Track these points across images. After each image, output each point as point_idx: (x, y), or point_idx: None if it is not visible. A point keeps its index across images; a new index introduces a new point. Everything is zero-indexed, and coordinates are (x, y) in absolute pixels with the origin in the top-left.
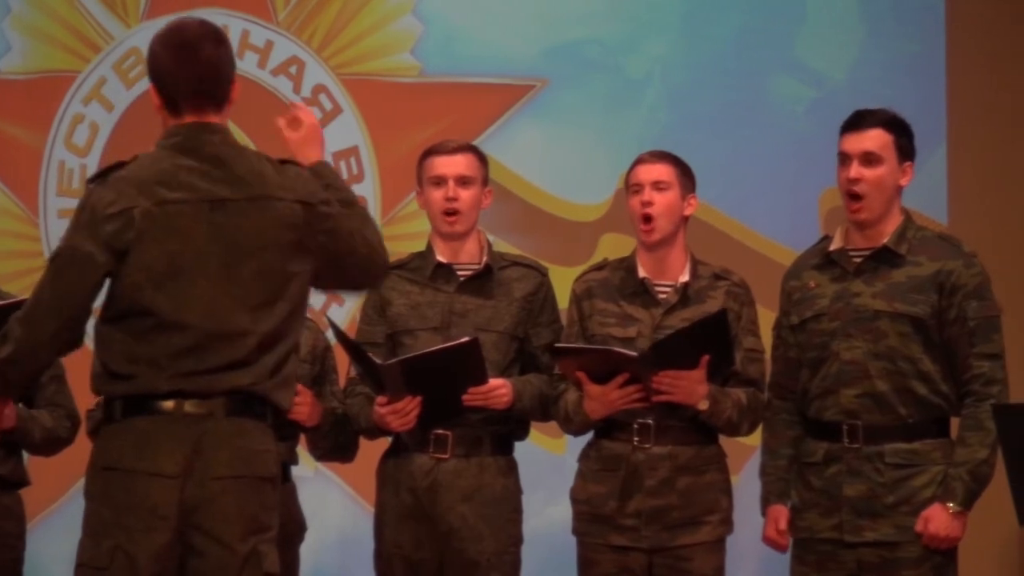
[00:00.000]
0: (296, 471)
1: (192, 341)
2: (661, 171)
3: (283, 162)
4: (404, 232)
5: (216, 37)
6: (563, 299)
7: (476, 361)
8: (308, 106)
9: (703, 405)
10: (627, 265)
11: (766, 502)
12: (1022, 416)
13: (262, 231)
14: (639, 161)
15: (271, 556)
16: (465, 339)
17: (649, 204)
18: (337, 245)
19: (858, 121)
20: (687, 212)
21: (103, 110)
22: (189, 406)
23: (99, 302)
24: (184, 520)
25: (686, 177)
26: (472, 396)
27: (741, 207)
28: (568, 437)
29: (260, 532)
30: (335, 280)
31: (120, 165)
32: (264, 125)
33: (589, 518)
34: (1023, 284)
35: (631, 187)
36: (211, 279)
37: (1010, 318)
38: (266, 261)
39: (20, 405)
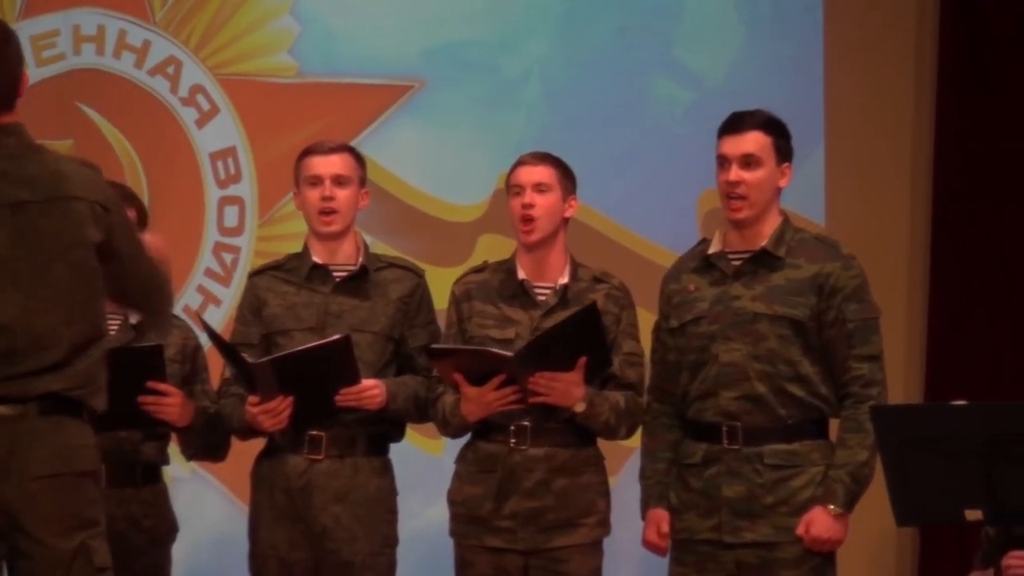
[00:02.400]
0: (173, 472)
1: (4, 346)
2: (543, 173)
3: (83, 164)
4: (281, 232)
5: (2, 36)
6: (440, 300)
7: (347, 360)
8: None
9: (580, 407)
10: (507, 267)
11: (646, 506)
12: (900, 417)
13: (66, 231)
14: (520, 163)
15: (102, 551)
16: (336, 337)
17: (530, 206)
18: (124, 262)
19: (736, 123)
20: (568, 214)
21: None
22: (2, 409)
23: None
24: (7, 523)
25: (567, 179)
26: (344, 396)
27: (620, 209)
28: (446, 439)
29: (86, 528)
30: (118, 292)
31: None
32: (142, 125)
33: (466, 519)
34: (901, 285)
35: (512, 188)
36: (19, 283)
37: (888, 319)
38: (75, 260)
39: None
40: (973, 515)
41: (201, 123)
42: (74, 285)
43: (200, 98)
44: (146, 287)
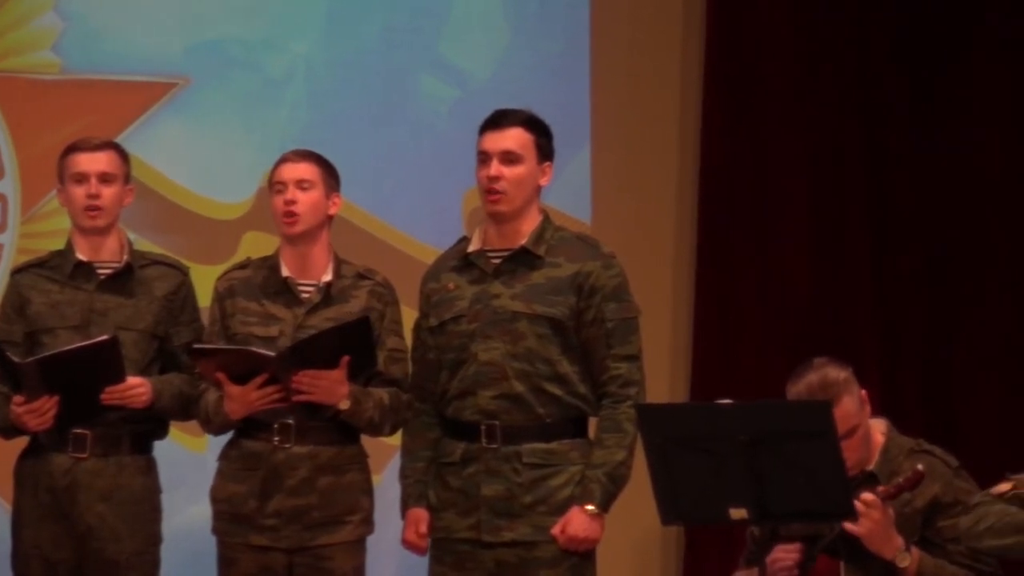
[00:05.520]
0: None
1: None
2: (305, 170)
3: None
4: (44, 230)
5: None
6: (205, 298)
7: (114, 360)
8: None
9: (344, 405)
10: (270, 264)
11: (405, 505)
12: (665, 416)
13: None
14: (283, 160)
15: None
16: (103, 338)
17: (293, 202)
18: None
19: (498, 120)
20: (331, 211)
21: None
22: None
23: None
24: None
25: (330, 176)
26: (109, 395)
27: (385, 206)
28: (209, 436)
29: None
30: None
31: None
32: None
33: (229, 517)
34: (667, 285)
35: (274, 185)
36: None
37: (654, 319)
38: None
39: None
40: (738, 514)
41: None
42: None
43: None
44: None
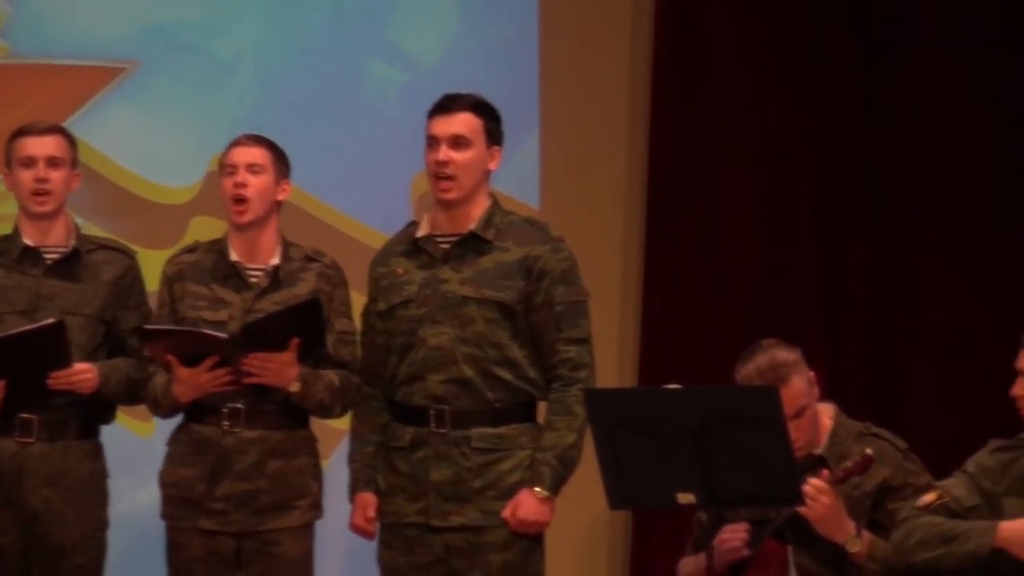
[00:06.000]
0: None
1: None
2: (256, 154)
3: None
4: None
5: None
6: (153, 283)
7: (60, 344)
8: None
9: (294, 387)
10: (219, 248)
11: (353, 490)
12: (613, 401)
13: None
14: (235, 143)
15: None
16: (49, 321)
17: (243, 186)
18: None
19: (446, 105)
20: (280, 197)
21: None
22: None
23: None
24: None
25: (280, 162)
26: (56, 379)
27: (334, 191)
28: (157, 420)
29: None
30: None
31: None
32: None
33: (177, 502)
34: (616, 269)
35: (225, 168)
36: None
37: (603, 303)
38: None
39: None
40: (686, 499)
41: None
42: None
43: None
44: None
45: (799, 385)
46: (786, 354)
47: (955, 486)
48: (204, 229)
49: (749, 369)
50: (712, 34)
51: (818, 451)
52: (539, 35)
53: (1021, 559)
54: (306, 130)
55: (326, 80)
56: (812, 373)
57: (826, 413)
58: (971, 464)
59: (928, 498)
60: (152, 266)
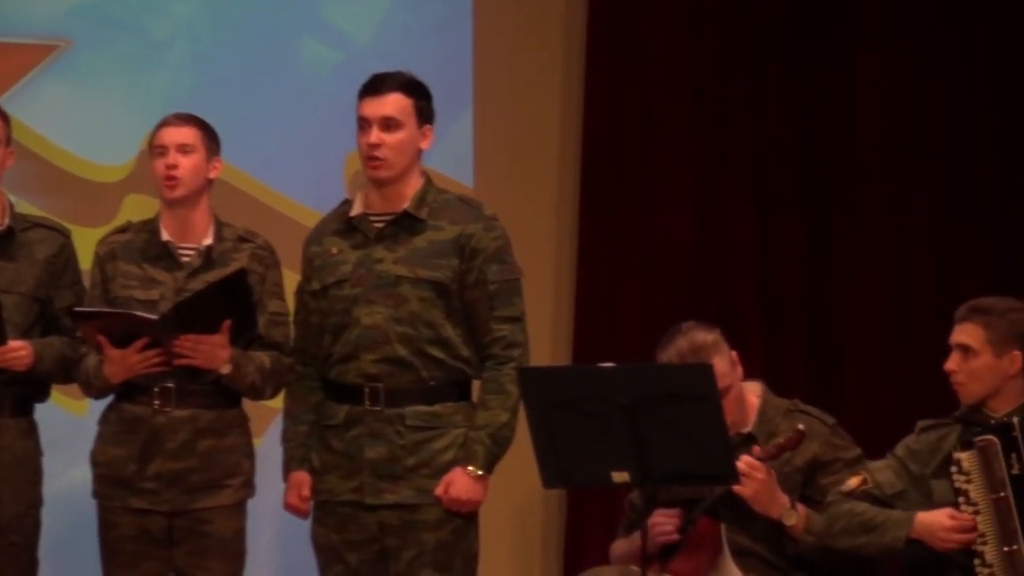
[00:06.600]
0: None
1: None
2: (186, 134)
3: None
4: None
5: None
6: (87, 260)
7: None
8: None
9: (225, 369)
10: (150, 228)
11: (287, 468)
12: (547, 379)
13: None
14: (164, 123)
15: None
16: None
17: (174, 167)
18: None
19: (376, 85)
20: (212, 175)
21: None
22: None
23: None
24: None
25: (211, 140)
26: None
27: (267, 169)
28: (90, 399)
29: None
30: None
31: None
32: None
33: (109, 481)
34: (550, 247)
35: (155, 149)
36: None
37: (537, 281)
38: None
39: None
40: (620, 477)
41: None
42: None
43: None
44: None
45: (720, 365)
46: (705, 336)
47: (881, 470)
48: (137, 207)
49: (669, 354)
50: (646, 9)
51: (747, 429)
52: (473, 12)
53: (936, 549)
54: (240, 108)
55: (260, 58)
56: (734, 353)
57: (753, 391)
58: (900, 447)
59: (853, 483)
60: (86, 244)
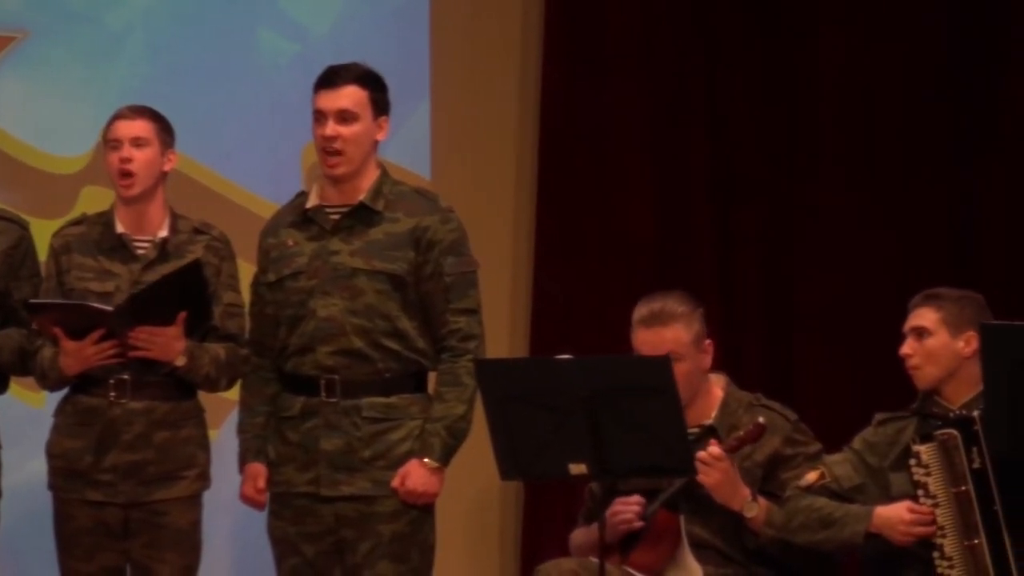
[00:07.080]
0: None
1: None
2: (140, 127)
3: None
4: None
5: None
6: (44, 252)
7: None
8: None
9: (180, 361)
10: (105, 220)
11: (243, 460)
12: (504, 371)
13: None
14: (118, 116)
15: None
16: None
17: (128, 160)
18: None
19: (331, 78)
20: (166, 168)
21: None
22: None
23: None
24: None
25: (166, 132)
26: None
27: (223, 161)
28: (47, 392)
29: None
30: None
31: None
32: None
33: (64, 473)
34: (507, 239)
35: (109, 143)
36: None
37: (488, 273)
38: None
39: None
40: (578, 469)
41: None
42: None
43: None
44: None
45: (679, 333)
46: (678, 306)
47: (839, 464)
48: (95, 198)
49: (640, 311)
50: (604, 1)
51: (708, 421)
52: (429, 4)
53: (895, 543)
54: (197, 100)
55: (217, 49)
56: (709, 342)
57: (717, 384)
58: (857, 440)
59: (811, 477)
60: (43, 235)
